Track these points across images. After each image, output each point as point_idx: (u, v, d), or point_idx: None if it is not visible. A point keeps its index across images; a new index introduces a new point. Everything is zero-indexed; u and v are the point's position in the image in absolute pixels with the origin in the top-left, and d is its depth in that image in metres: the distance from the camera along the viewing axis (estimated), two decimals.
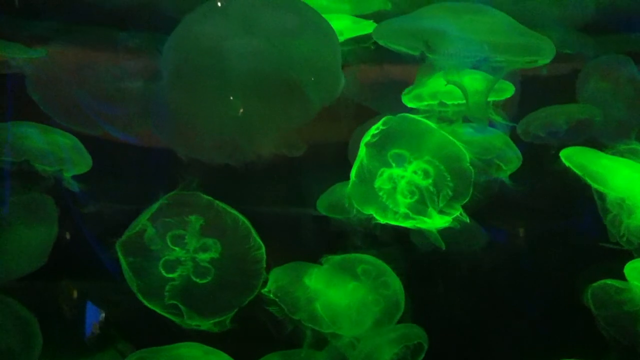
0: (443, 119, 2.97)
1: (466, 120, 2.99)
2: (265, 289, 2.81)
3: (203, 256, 2.57)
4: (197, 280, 2.55)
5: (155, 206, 2.51)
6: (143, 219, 2.48)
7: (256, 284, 2.59)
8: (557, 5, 3.21)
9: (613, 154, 2.92)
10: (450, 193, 2.69)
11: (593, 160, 2.87)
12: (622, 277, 2.92)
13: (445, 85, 2.74)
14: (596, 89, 3.36)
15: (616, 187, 2.83)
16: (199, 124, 2.63)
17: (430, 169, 2.70)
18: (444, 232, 2.77)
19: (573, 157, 2.84)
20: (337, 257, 2.94)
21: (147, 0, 2.99)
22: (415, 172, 2.69)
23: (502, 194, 3.22)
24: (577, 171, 2.79)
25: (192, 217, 2.54)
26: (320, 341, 2.96)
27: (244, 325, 2.79)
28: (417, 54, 2.66)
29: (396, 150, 2.71)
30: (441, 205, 2.71)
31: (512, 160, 3.18)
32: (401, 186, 2.69)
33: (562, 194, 3.43)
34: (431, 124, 2.71)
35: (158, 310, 2.54)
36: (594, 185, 2.82)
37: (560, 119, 3.34)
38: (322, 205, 3.19)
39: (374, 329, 2.95)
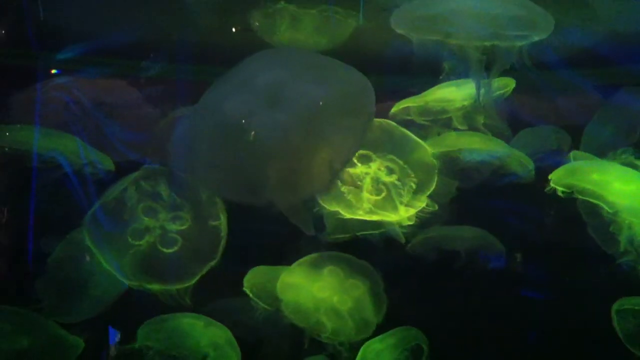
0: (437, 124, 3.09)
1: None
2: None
3: (172, 226, 2.67)
4: (163, 249, 2.64)
5: (132, 175, 2.67)
6: (120, 187, 2.65)
7: (214, 256, 2.67)
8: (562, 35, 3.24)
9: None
10: (413, 186, 2.76)
11: (582, 177, 2.84)
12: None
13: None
14: (600, 120, 3.33)
15: (608, 202, 2.74)
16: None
17: (393, 166, 2.79)
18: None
19: (560, 179, 2.82)
20: (312, 256, 3.03)
21: (167, 32, 3.29)
22: (379, 169, 2.80)
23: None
24: (563, 190, 2.76)
25: (165, 188, 2.67)
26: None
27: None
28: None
29: (361, 152, 2.83)
30: (406, 199, 2.76)
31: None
32: (366, 184, 2.78)
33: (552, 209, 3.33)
34: (392, 123, 2.85)
35: (122, 278, 2.61)
36: (587, 200, 2.76)
37: (536, 142, 3.35)
38: None
39: (358, 327, 2.95)
